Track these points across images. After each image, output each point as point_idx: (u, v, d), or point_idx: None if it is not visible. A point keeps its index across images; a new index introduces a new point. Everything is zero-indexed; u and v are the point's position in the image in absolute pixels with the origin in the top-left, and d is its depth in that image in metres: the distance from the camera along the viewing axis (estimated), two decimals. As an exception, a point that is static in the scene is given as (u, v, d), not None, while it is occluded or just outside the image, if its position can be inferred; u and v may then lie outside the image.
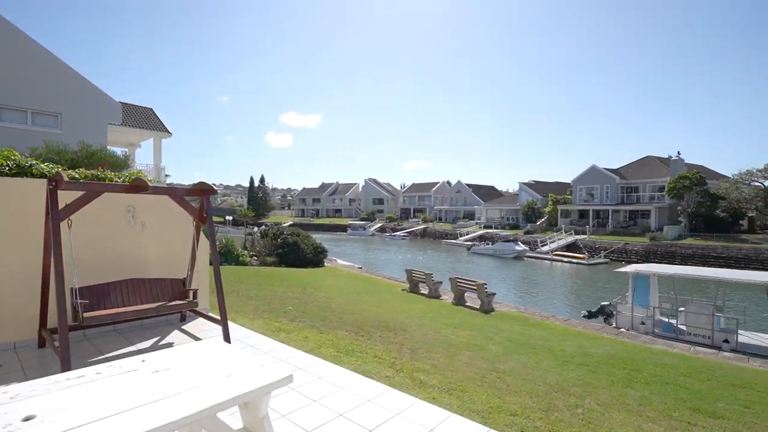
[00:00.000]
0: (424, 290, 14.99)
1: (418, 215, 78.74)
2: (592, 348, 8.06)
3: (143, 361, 2.54)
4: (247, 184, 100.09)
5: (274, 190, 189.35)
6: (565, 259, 38.71)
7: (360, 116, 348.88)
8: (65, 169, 6.00)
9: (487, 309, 11.91)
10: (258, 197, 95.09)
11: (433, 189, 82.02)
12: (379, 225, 75.12)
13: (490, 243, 46.53)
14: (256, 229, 24.19)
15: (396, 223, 76.15)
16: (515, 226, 57.64)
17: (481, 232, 54.95)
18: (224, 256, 16.26)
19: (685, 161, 49.57)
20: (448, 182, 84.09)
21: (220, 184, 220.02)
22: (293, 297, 10.71)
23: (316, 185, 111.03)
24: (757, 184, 46.00)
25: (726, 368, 7.31)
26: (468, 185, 74.65)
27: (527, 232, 50.82)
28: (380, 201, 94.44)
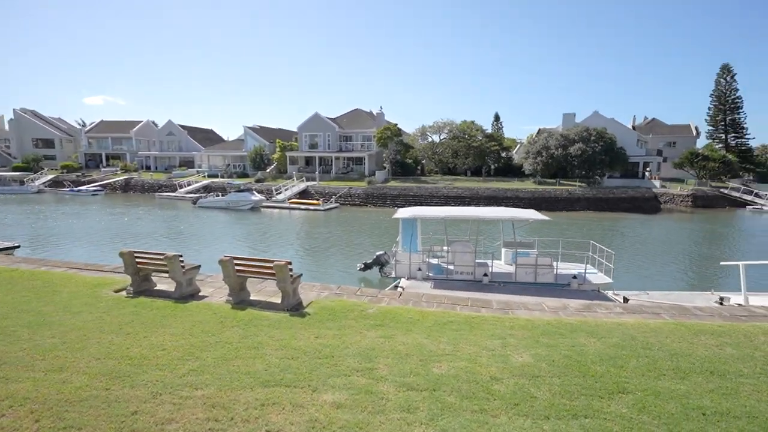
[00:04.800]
0: (165, 284, 8.46)
1: (115, 163, 59.52)
2: (512, 354, 4.96)
3: None
4: None
5: None
6: (302, 207, 37.05)
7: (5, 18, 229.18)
8: None
9: (294, 304, 7.16)
10: None
11: (134, 130, 63.32)
12: (52, 177, 52.16)
13: (221, 194, 39.43)
14: None
15: (80, 173, 54.86)
16: (244, 174, 51.72)
17: (207, 182, 46.23)
18: None
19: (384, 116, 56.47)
20: (154, 123, 67.08)
21: None
22: None
23: None
24: (425, 139, 57.96)
25: (640, 338, 5.73)
26: (182, 127, 61.46)
27: (258, 180, 46.27)
28: (48, 143, 65.72)
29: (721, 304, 11.37)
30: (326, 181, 46.46)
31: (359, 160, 51.98)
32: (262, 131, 58.18)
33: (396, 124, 49.57)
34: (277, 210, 36.77)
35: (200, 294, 7.95)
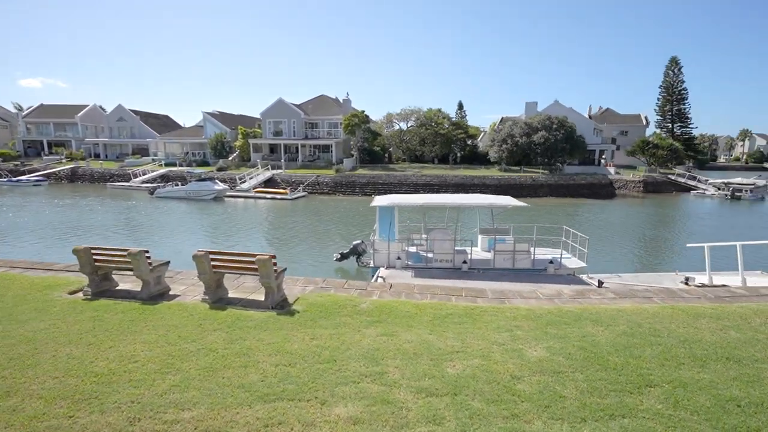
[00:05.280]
0: (128, 283, 7.55)
1: (59, 150, 54.61)
2: (524, 348, 4.66)
3: None
4: None
5: None
6: (269, 196, 35.66)
7: None
8: None
9: (278, 301, 6.54)
10: None
11: (79, 115, 58.23)
12: (-17, 166, 47.12)
13: (180, 184, 37.15)
14: None
15: (19, 162, 49.92)
16: (204, 163, 49.08)
17: (164, 171, 43.42)
18: None
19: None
20: (102, 107, 62.11)
21: None
22: None
23: None
24: (391, 127, 57.45)
25: (645, 324, 5.61)
26: (134, 112, 57.21)
27: (220, 169, 44.02)
28: (-22, 129, 59.26)
29: (687, 283, 11.84)
30: (292, 169, 44.98)
31: (326, 148, 50.72)
32: (222, 117, 55.30)
33: (363, 111, 48.61)
34: (242, 199, 35.17)
35: (171, 293, 7.13)
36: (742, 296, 7.02)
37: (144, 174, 42.50)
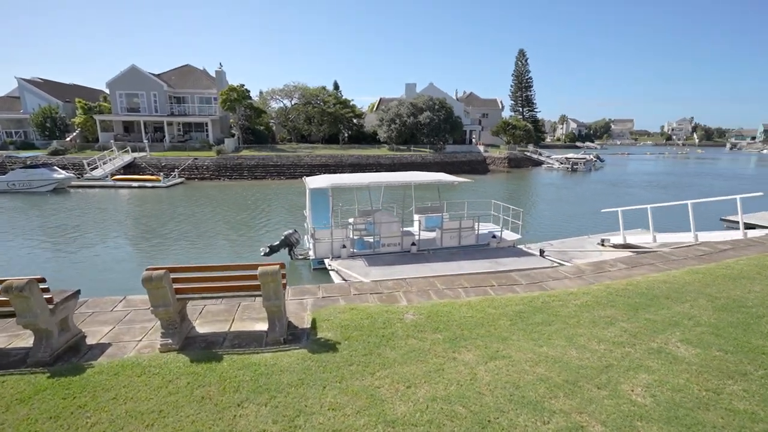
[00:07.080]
0: (22, 340, 4.32)
1: None
2: (663, 346, 3.80)
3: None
4: None
5: None
6: (135, 184, 28.88)
7: None
8: None
9: (284, 329, 4.39)
10: None
11: None
12: None
13: (-5, 172, 27.31)
14: None
15: None
16: (28, 145, 37.23)
17: (-38, 155, 31.33)
18: None
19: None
20: None
21: None
22: None
23: None
24: (277, 103, 52.76)
25: (719, 296, 5.36)
26: None
27: (56, 153, 33.90)
28: None
29: (603, 244, 13.14)
30: (160, 151, 37.46)
31: (200, 126, 43.72)
32: (49, 87, 42.57)
33: (243, 85, 42.97)
34: (97, 189, 27.71)
35: (89, 342, 4.27)
36: (712, 253, 7.62)
37: (-74, 161, 30.01)
